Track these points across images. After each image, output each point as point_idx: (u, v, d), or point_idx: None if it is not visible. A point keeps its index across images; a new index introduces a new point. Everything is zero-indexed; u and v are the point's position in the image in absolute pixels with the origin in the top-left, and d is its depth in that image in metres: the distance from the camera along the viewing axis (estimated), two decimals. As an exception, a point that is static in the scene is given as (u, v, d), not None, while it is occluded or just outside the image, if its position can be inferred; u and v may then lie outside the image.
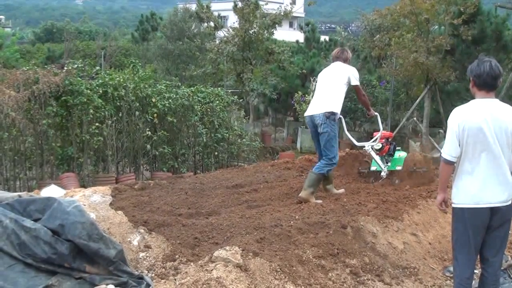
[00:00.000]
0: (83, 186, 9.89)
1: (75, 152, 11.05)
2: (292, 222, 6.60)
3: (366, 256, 6.28)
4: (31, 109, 10.36)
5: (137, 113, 11.87)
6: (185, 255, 5.64)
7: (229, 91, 17.58)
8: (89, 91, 11.00)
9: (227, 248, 5.54)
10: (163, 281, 5.16)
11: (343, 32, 34.30)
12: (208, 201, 7.80)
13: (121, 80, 11.79)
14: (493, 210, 4.94)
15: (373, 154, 8.94)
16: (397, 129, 19.73)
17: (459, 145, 4.90)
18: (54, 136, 10.82)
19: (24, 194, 5.81)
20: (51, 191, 7.34)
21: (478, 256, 5.25)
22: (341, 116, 8.36)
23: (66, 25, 42.00)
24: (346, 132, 9.50)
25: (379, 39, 19.50)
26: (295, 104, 21.30)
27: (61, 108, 10.73)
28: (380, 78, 23.05)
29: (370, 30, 21.95)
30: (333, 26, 57.47)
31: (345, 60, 8.28)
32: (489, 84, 4.90)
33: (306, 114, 8.18)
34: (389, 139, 9.34)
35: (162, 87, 12.72)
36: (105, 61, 27.68)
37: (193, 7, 27.19)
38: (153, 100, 12.07)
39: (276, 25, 21.27)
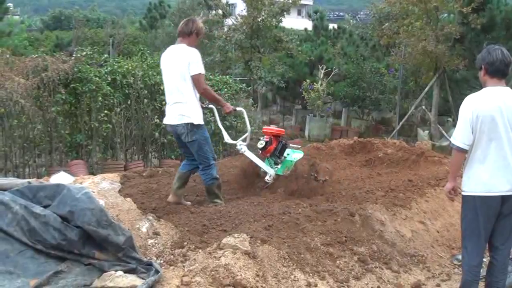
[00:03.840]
0: (92, 173, 9.93)
1: (84, 139, 11.08)
2: (300, 210, 6.62)
3: (374, 244, 6.29)
4: (40, 96, 10.38)
5: (145, 100, 11.87)
6: (194, 242, 5.66)
7: (237, 79, 17.54)
8: (97, 79, 11.00)
9: (236, 235, 5.56)
10: (171, 267, 5.18)
11: (351, 20, 34.21)
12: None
13: (130, 67, 11.80)
14: (504, 198, 4.94)
15: (248, 153, 7.63)
16: (406, 117, 19.69)
17: (472, 133, 4.87)
18: (63, 123, 10.85)
19: (34, 181, 5.84)
20: (60, 178, 7.36)
21: (487, 245, 5.23)
22: (212, 106, 7.51)
23: (75, 13, 41.98)
24: (220, 125, 7.91)
25: (388, 27, 19.44)
26: (303, 92, 21.28)
27: (70, 96, 10.74)
28: (389, 66, 22.98)
29: (379, 18, 21.87)
30: (341, 14, 57.20)
31: (189, 34, 6.83)
32: (502, 71, 4.92)
33: (165, 121, 7.07)
34: (279, 137, 7.90)
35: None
36: (114, 49, 27.68)
37: (201, -6, 27.14)
38: (162, 87, 12.05)
39: (284, 13, 21.20)
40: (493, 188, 4.93)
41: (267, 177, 7.68)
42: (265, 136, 7.88)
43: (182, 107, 6.70)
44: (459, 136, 4.94)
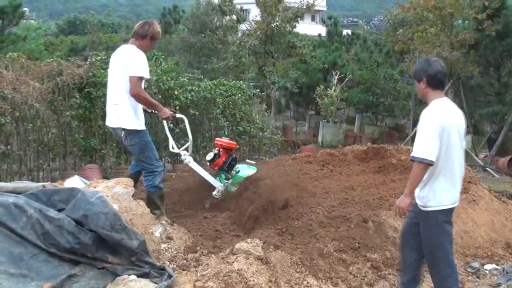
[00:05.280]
0: (106, 177, 9.95)
1: (98, 143, 11.11)
2: (313, 216, 6.61)
3: (388, 250, 6.28)
4: (55, 100, 10.40)
5: (159, 105, 11.90)
6: (207, 247, 5.68)
7: (251, 84, 17.55)
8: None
9: (248, 240, 5.56)
10: (184, 272, 5.20)
11: (365, 26, 34.13)
12: (229, 194, 7.78)
13: (144, 72, 11.83)
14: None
15: (193, 165, 7.13)
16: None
17: (439, 146, 4.77)
18: (77, 127, 10.87)
19: (48, 185, 5.87)
20: (74, 182, 7.39)
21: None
22: (180, 116, 7.31)
23: (90, 18, 42.20)
24: (167, 133, 7.37)
25: (402, 33, 19.38)
26: (317, 98, 21.25)
27: (84, 100, 10.77)
28: (403, 73, 22.91)
29: (393, 24, 21.79)
30: (355, 20, 57.18)
31: (143, 37, 6.50)
32: (443, 83, 5.00)
33: (106, 122, 6.73)
34: (231, 151, 7.39)
35: (185, 79, 12.71)
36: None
37: (216, 0, 27.20)
38: (176, 92, 12.05)
39: (298, 19, 21.18)
40: (455, 199, 4.97)
41: (214, 192, 7.18)
42: (216, 148, 7.49)
43: (120, 110, 6.40)
44: (428, 149, 4.74)
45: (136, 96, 6.26)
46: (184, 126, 7.17)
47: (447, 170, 4.87)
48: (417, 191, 4.98)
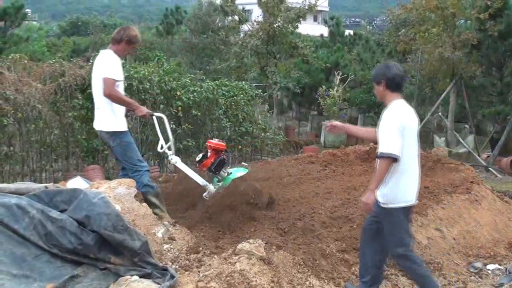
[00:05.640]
0: (108, 178, 9.95)
1: (101, 144, 11.12)
2: (315, 216, 6.61)
3: (390, 251, 6.26)
4: (57, 101, 10.42)
5: (161, 106, 11.90)
6: (209, 248, 5.68)
7: (253, 84, 17.56)
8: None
9: (251, 241, 5.56)
10: (187, 273, 5.20)
11: (368, 26, 34.15)
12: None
13: (146, 73, 11.83)
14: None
15: (180, 165, 7.04)
16: (422, 124, 19.58)
17: (402, 144, 4.96)
18: (79, 128, 10.87)
19: (51, 186, 5.88)
20: (76, 182, 7.41)
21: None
22: (160, 115, 7.14)
23: (92, 19, 42.24)
24: (158, 133, 7.15)
25: (404, 33, 19.36)
26: (319, 98, 21.25)
27: (86, 101, 10.77)
28: (405, 73, 22.90)
29: (395, 24, 21.79)
30: (357, 20, 57.23)
31: (119, 42, 6.62)
32: (401, 85, 5.21)
33: (94, 125, 6.88)
34: (221, 152, 7.11)
35: (187, 80, 12.72)
36: (130, 55, 27.79)
37: (218, 0, 27.24)
38: (178, 93, 12.07)
39: (301, 19, 21.16)
40: (412, 198, 5.18)
41: (205, 194, 6.97)
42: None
43: (100, 113, 6.60)
44: (393, 146, 4.90)
45: (109, 96, 6.40)
46: (165, 125, 7.08)
47: (409, 168, 5.10)
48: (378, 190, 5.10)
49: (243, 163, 7.81)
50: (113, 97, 6.42)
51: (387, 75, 5.13)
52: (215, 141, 7.20)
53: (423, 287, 5.35)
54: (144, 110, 6.75)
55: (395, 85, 5.13)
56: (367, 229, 5.47)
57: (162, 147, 7.02)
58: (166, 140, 6.99)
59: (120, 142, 6.53)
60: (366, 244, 5.46)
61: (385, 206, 5.12)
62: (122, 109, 6.63)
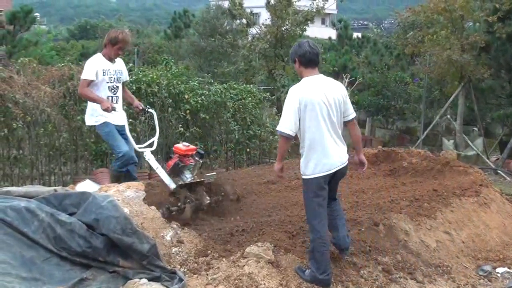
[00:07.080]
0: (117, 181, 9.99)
1: (109, 148, 11.15)
2: (324, 219, 6.59)
3: (399, 254, 6.26)
4: (66, 105, 10.46)
5: (170, 109, 11.91)
6: (217, 251, 5.68)
7: (261, 87, 17.54)
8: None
9: (259, 244, 5.57)
10: (195, 276, 5.20)
11: (376, 29, 34.10)
12: (239, 197, 7.80)
13: (154, 76, 11.84)
14: (336, 172, 5.44)
15: (152, 162, 7.06)
16: (430, 126, 19.55)
17: (300, 121, 5.24)
18: (88, 131, 10.91)
19: (60, 189, 5.91)
20: (85, 186, 7.43)
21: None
22: (151, 111, 7.81)
23: (100, 23, 42.36)
24: (157, 131, 7.59)
25: (413, 36, 19.35)
26: (327, 101, 21.19)
27: (95, 104, 10.83)
28: (413, 76, 22.87)
29: (403, 27, 21.78)
30: (366, 23, 57.18)
31: (105, 45, 7.30)
32: (313, 61, 5.44)
33: None
34: (185, 156, 6.93)
35: (195, 83, 12.73)
36: (138, 58, 27.87)
37: (226, 4, 27.23)
38: (186, 96, 12.08)
39: (308, 22, 21.13)
40: (330, 167, 5.35)
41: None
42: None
43: (86, 111, 7.57)
44: (287, 124, 5.24)
45: (80, 95, 7.68)
46: (155, 122, 7.86)
47: (318, 142, 5.31)
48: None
49: (206, 174, 7.59)
50: (83, 96, 7.44)
51: (298, 53, 5.40)
52: (178, 145, 7.15)
53: (313, 261, 5.40)
54: (107, 104, 7.09)
55: (307, 61, 5.40)
56: None
57: (151, 145, 7.43)
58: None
59: (101, 133, 7.51)
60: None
61: (302, 176, 5.47)
62: (97, 106, 7.17)
